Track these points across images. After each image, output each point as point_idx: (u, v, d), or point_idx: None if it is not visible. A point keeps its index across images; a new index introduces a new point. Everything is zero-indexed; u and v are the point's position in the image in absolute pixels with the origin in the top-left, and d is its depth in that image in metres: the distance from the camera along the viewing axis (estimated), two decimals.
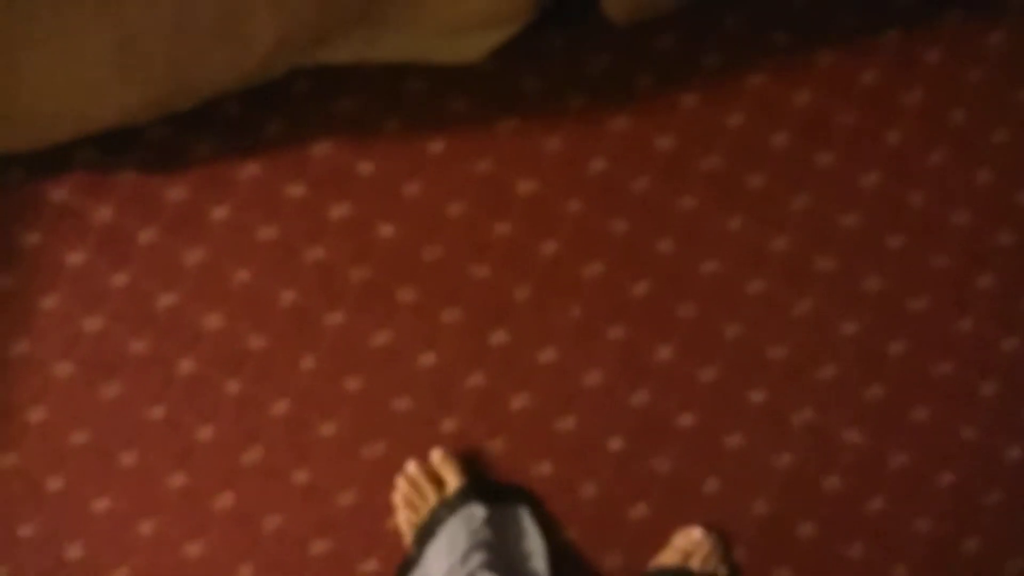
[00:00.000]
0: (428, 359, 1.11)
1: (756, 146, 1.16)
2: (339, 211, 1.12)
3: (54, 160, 1.09)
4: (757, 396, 1.12)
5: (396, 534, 1.08)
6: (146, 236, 1.11)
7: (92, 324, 1.09)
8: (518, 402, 1.11)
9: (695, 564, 1.06)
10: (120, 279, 1.10)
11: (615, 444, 1.11)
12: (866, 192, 1.16)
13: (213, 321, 1.10)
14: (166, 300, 1.10)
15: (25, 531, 1.06)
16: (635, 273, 1.14)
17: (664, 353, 1.13)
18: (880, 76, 1.17)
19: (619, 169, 1.15)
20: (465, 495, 1.04)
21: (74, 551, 1.06)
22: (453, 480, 1.06)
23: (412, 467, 1.07)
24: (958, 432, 1.13)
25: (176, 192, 1.11)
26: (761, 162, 1.16)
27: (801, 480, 1.11)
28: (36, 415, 1.08)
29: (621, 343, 1.13)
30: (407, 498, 1.07)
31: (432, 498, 1.05)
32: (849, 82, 1.17)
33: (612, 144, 1.15)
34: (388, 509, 1.09)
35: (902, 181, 1.16)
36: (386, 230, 1.12)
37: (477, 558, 0.98)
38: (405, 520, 1.07)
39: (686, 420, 1.12)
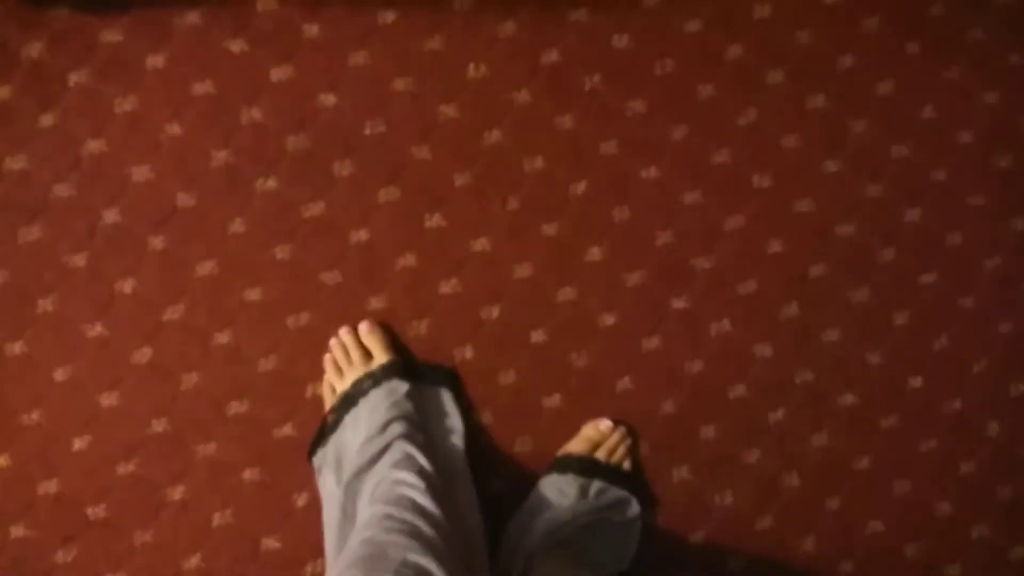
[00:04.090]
0: (361, 235, 1.11)
1: (709, 57, 1.15)
2: (280, 73, 1.09)
3: None
4: (678, 303, 1.15)
5: (315, 403, 1.10)
6: (76, 78, 1.06)
7: (15, 163, 1.05)
8: (447, 287, 1.12)
9: (601, 454, 1.10)
10: (47, 120, 1.06)
11: (537, 336, 1.14)
12: (808, 113, 1.17)
13: (141, 173, 1.07)
14: (93, 146, 1.06)
15: None
16: (576, 172, 1.14)
17: (595, 254, 1.14)
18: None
19: (572, 64, 1.13)
20: (389, 369, 1.06)
21: None
22: (380, 354, 1.08)
23: (345, 333, 1.08)
24: (864, 358, 1.19)
25: (111, 34, 1.06)
26: (713, 73, 1.15)
27: (709, 386, 1.16)
28: None
29: (554, 240, 1.14)
30: (335, 363, 1.08)
31: (359, 367, 1.07)
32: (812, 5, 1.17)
33: (568, 37, 1.13)
34: (308, 378, 1.10)
35: (846, 105, 1.18)
36: (328, 99, 1.10)
37: (396, 429, 1.00)
38: (329, 385, 1.09)
39: (608, 320, 1.14)
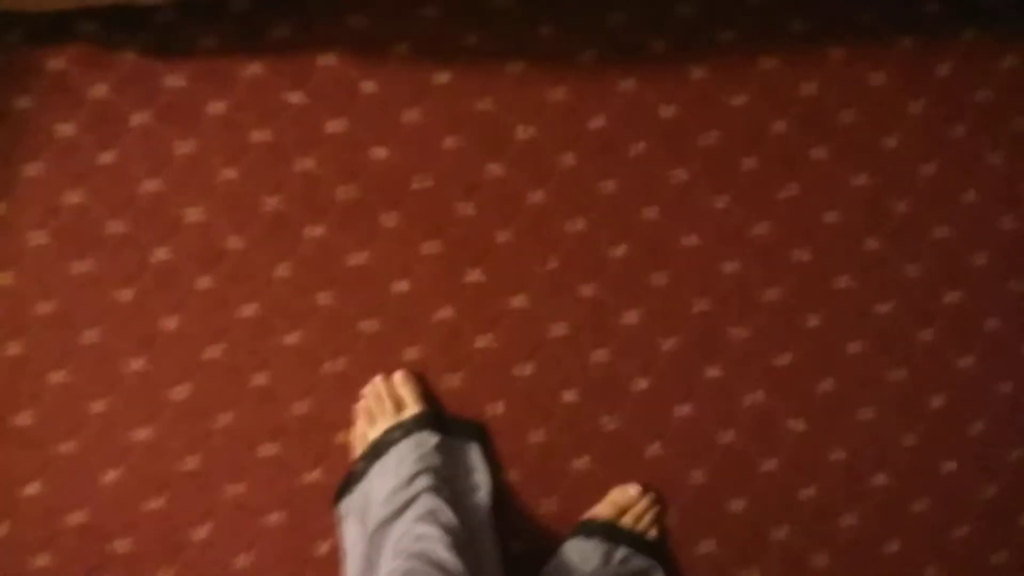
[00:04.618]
0: (401, 286, 1.12)
1: (753, 130, 1.17)
2: (335, 126, 1.12)
3: (56, 27, 1.08)
4: (713, 371, 1.15)
5: (344, 450, 1.11)
6: (138, 119, 1.10)
7: (72, 198, 1.09)
8: (482, 342, 1.13)
9: (627, 521, 1.09)
10: (106, 158, 1.09)
11: (569, 396, 1.14)
12: (854, 191, 1.18)
13: (193, 214, 1.10)
14: (149, 186, 1.10)
15: None
16: (616, 235, 1.15)
17: (631, 317, 1.15)
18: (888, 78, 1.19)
19: (618, 130, 1.16)
20: (420, 421, 1.06)
21: (23, 419, 1.07)
22: (412, 404, 1.08)
23: (379, 381, 1.09)
24: (898, 439, 1.17)
25: (174, 80, 1.10)
26: (756, 147, 1.17)
27: (740, 458, 1.15)
28: (3, 279, 1.07)
29: (591, 301, 1.14)
30: (367, 410, 1.09)
31: (390, 416, 1.07)
32: (857, 80, 1.19)
33: (616, 104, 1.16)
34: (340, 424, 1.11)
35: (890, 186, 1.19)
36: (379, 152, 1.12)
37: (422, 482, 1.00)
38: (359, 433, 1.09)
39: (641, 384, 1.14)
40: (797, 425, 1.16)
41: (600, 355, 1.14)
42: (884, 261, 1.18)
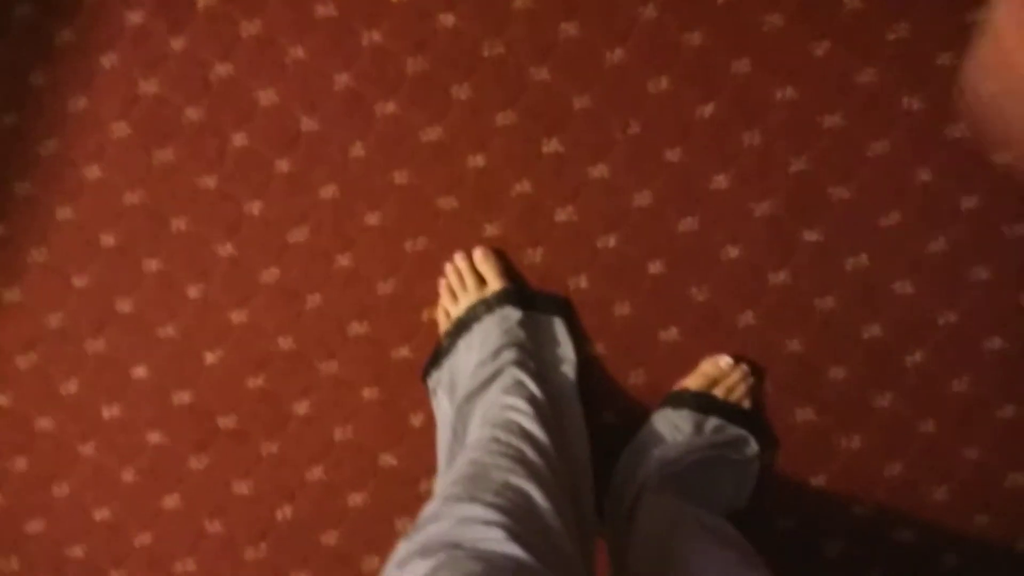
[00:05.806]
0: (477, 161, 1.09)
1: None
2: None
3: None
4: (811, 235, 1.08)
5: (431, 326, 1.11)
6: (204, 1, 1.08)
7: (148, 87, 1.09)
8: (563, 215, 1.09)
9: (719, 392, 1.06)
10: (178, 44, 1.09)
11: (655, 267, 1.10)
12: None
13: (267, 97, 1.09)
14: (221, 70, 1.09)
15: (79, 282, 1.12)
16: (703, 93, 1.07)
17: (720, 182, 1.08)
18: None
19: None
20: (503, 296, 1.05)
21: (124, 306, 1.12)
22: (494, 281, 1.07)
23: (460, 259, 1.09)
24: (1017, 299, 1.08)
25: None
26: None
27: (841, 324, 1.09)
28: (92, 172, 1.11)
29: (676, 166, 1.08)
30: (450, 288, 1.09)
31: (473, 293, 1.07)
32: None
33: None
34: (424, 302, 1.11)
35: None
36: (447, 19, 1.07)
37: (508, 355, 1.00)
38: (443, 310, 1.09)
39: (731, 252, 1.09)
40: (904, 288, 1.08)
41: (687, 223, 1.09)
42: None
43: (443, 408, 1.04)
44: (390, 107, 1.09)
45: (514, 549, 0.63)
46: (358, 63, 1.08)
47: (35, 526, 1.16)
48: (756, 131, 1.07)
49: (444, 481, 0.81)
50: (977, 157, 1.05)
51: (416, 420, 1.13)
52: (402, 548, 0.65)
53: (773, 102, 1.07)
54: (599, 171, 1.09)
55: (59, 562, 1.16)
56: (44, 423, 1.15)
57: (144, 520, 1.16)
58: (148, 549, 1.16)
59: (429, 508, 0.71)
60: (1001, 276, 1.08)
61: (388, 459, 1.14)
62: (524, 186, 1.09)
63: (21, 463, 1.15)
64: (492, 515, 0.66)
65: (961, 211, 1.07)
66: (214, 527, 1.15)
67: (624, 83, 1.07)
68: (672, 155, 1.08)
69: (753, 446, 1.06)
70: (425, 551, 0.63)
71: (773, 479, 1.11)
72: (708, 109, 1.07)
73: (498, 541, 0.64)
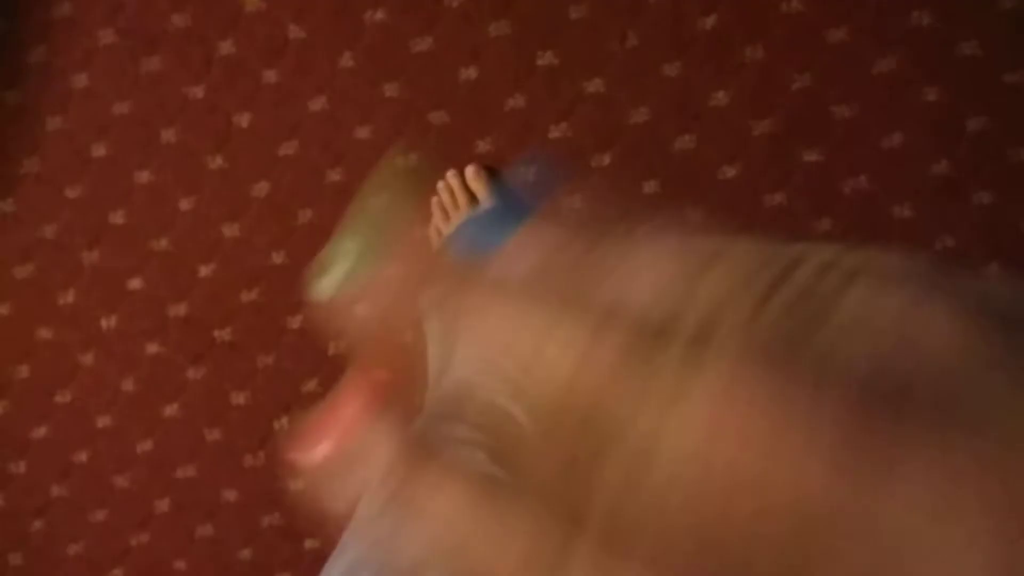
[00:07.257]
0: (469, 73, 1.06)
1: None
2: None
3: None
4: (810, 155, 1.05)
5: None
6: None
7: None
8: (557, 131, 1.07)
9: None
10: None
11: (650, 187, 1.08)
12: None
13: (252, 2, 1.06)
14: None
15: (72, 192, 1.12)
16: (705, 3, 1.03)
17: (720, 98, 1.05)
18: None
19: None
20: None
21: (117, 218, 1.12)
22: (485, 199, 1.06)
23: (451, 176, 1.07)
24: (1017, 223, 1.06)
25: None
26: None
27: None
28: (80, 81, 1.09)
29: (675, 81, 1.05)
30: (442, 204, 1.08)
31: (464, 211, 1.06)
32: None
33: None
34: (417, 220, 1.10)
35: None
36: None
37: None
38: (435, 228, 1.09)
39: (728, 172, 1.07)
40: (902, 212, 1.06)
41: (684, 141, 1.06)
42: None
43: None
44: (379, 15, 1.05)
45: None
46: None
47: (40, 432, 1.20)
48: (759, 45, 1.03)
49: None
50: (986, 77, 1.01)
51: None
52: None
53: (777, 15, 1.02)
54: (595, 86, 1.06)
55: (65, 467, 1.20)
56: (44, 332, 1.17)
57: (145, 427, 1.19)
58: (149, 455, 1.20)
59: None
60: (1003, 201, 1.05)
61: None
62: (518, 101, 1.07)
63: (23, 371, 1.18)
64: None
65: (967, 133, 1.04)
66: (213, 435, 1.19)
67: None
68: (671, 69, 1.05)
69: None
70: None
71: None
72: (710, 21, 1.03)
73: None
